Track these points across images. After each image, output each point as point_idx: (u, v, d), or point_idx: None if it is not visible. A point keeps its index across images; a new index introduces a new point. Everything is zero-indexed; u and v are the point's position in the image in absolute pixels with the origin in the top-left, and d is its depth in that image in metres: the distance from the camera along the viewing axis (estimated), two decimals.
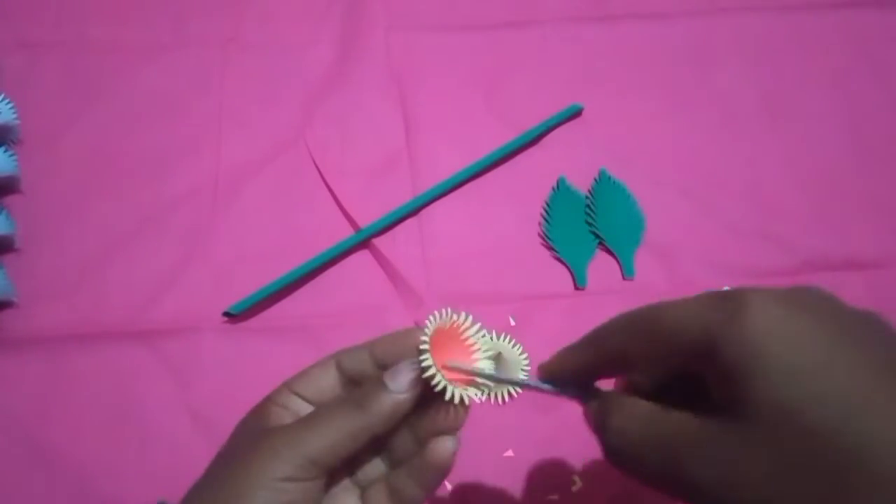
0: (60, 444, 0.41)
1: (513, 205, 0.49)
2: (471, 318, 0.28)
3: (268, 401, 0.29)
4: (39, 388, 0.42)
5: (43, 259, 0.45)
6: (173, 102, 0.50)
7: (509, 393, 0.29)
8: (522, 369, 0.29)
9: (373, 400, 0.26)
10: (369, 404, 0.26)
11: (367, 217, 0.47)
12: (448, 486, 0.40)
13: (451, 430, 0.28)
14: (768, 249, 0.47)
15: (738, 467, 0.21)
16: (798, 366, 0.21)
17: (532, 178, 0.49)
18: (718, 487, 0.22)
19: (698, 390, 0.23)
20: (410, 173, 0.49)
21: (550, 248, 0.47)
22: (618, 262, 0.47)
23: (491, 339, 0.29)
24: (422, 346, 0.26)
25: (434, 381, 0.26)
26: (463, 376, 0.28)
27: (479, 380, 0.28)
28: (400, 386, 0.27)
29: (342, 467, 0.27)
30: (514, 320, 0.44)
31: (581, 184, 0.49)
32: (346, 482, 0.29)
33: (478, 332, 0.29)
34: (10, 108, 0.47)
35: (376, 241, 0.47)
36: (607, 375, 0.28)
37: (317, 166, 0.49)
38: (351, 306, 0.45)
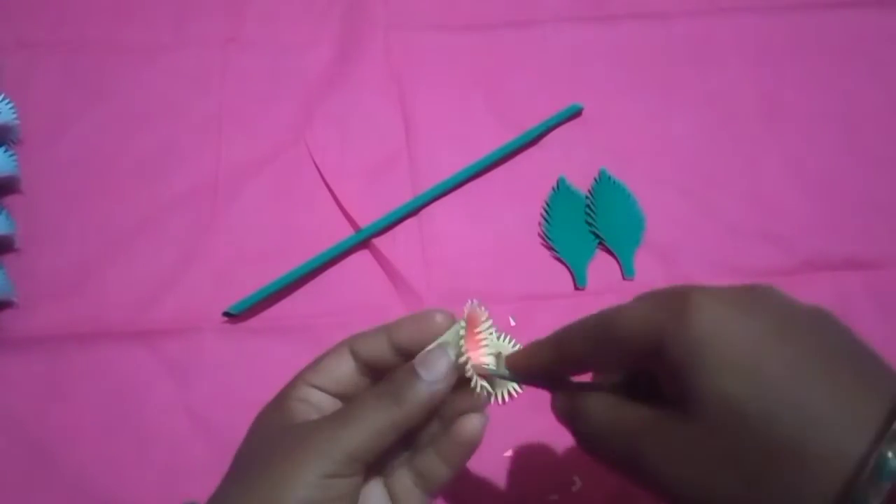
0: (60, 444, 0.41)
1: (513, 205, 0.49)
2: (487, 314, 0.29)
3: (286, 396, 0.28)
4: (39, 388, 0.42)
5: (43, 259, 0.45)
6: (173, 102, 0.50)
7: (509, 392, 0.29)
8: None
9: (409, 392, 0.26)
10: (405, 397, 0.26)
11: (367, 217, 0.47)
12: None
13: (477, 409, 0.28)
14: (768, 249, 0.47)
15: (688, 457, 0.22)
16: (739, 360, 0.22)
17: (532, 178, 0.49)
18: (672, 477, 0.23)
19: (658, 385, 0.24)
20: (410, 173, 0.49)
21: (550, 248, 0.47)
22: (618, 262, 0.47)
23: (497, 338, 0.29)
24: (461, 332, 0.27)
25: (468, 375, 0.27)
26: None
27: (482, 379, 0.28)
28: (436, 375, 0.27)
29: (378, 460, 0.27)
30: (514, 320, 0.44)
31: (581, 184, 0.49)
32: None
33: (488, 329, 0.29)
34: (10, 108, 0.47)
35: (376, 241, 0.47)
36: (572, 374, 0.29)
37: (317, 166, 0.49)
38: (351, 306, 0.45)
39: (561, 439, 0.41)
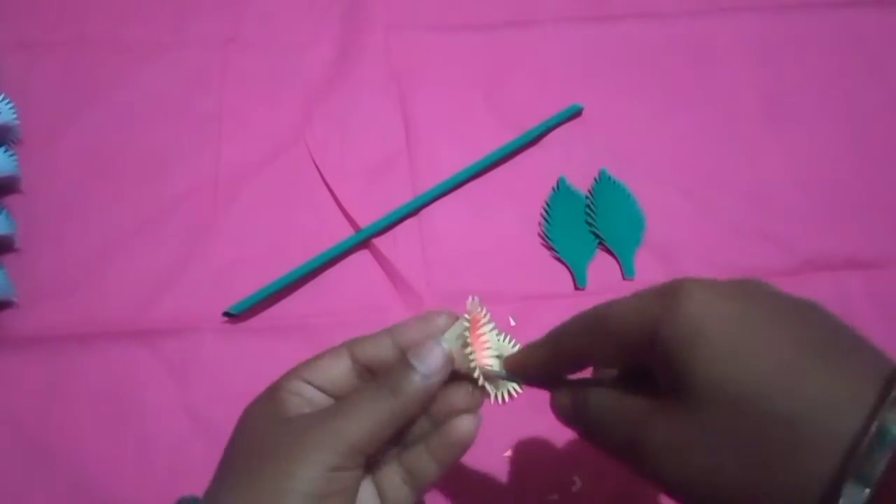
0: (60, 444, 0.41)
1: (513, 205, 0.49)
2: (487, 311, 0.29)
3: (278, 389, 0.28)
4: (39, 388, 0.42)
5: (43, 259, 0.45)
6: (173, 102, 0.50)
7: (510, 392, 0.29)
8: None
9: (404, 383, 0.27)
10: (402, 388, 0.27)
11: (367, 217, 0.47)
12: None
13: (471, 410, 0.28)
14: (768, 249, 0.47)
15: (687, 445, 0.23)
16: (731, 345, 0.22)
17: (532, 178, 0.49)
18: (672, 465, 0.23)
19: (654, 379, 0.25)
20: (410, 173, 0.49)
21: (550, 248, 0.47)
22: (618, 262, 0.47)
23: (499, 339, 0.30)
24: (466, 332, 0.27)
25: (476, 376, 0.27)
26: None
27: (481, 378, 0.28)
28: (430, 368, 0.27)
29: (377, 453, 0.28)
30: (514, 320, 0.44)
31: (581, 184, 0.49)
32: None
33: (491, 330, 0.29)
34: (10, 108, 0.47)
35: (376, 241, 0.47)
36: (570, 372, 0.29)
37: (317, 166, 0.49)
38: (351, 306, 0.45)
39: (561, 439, 0.41)
